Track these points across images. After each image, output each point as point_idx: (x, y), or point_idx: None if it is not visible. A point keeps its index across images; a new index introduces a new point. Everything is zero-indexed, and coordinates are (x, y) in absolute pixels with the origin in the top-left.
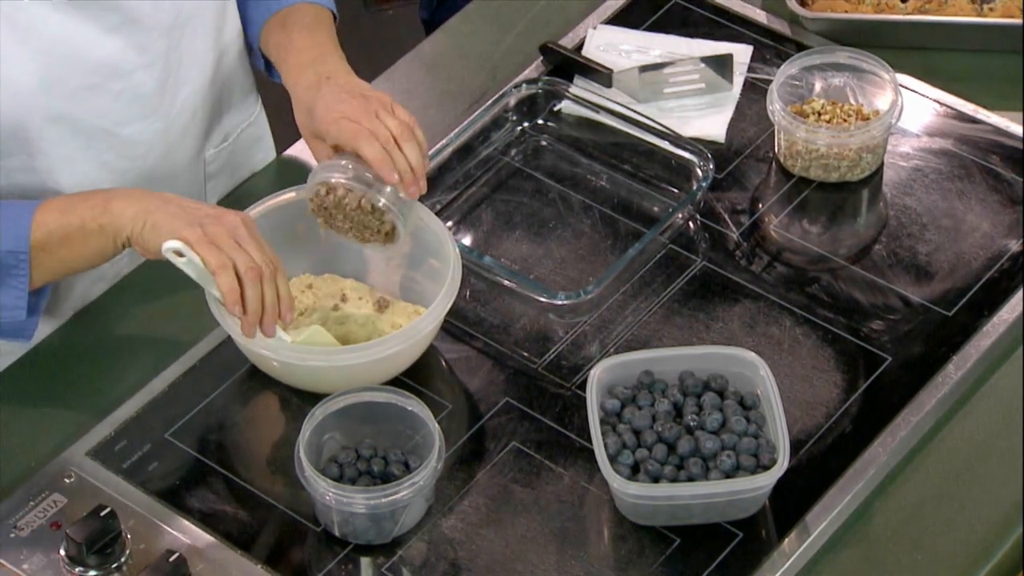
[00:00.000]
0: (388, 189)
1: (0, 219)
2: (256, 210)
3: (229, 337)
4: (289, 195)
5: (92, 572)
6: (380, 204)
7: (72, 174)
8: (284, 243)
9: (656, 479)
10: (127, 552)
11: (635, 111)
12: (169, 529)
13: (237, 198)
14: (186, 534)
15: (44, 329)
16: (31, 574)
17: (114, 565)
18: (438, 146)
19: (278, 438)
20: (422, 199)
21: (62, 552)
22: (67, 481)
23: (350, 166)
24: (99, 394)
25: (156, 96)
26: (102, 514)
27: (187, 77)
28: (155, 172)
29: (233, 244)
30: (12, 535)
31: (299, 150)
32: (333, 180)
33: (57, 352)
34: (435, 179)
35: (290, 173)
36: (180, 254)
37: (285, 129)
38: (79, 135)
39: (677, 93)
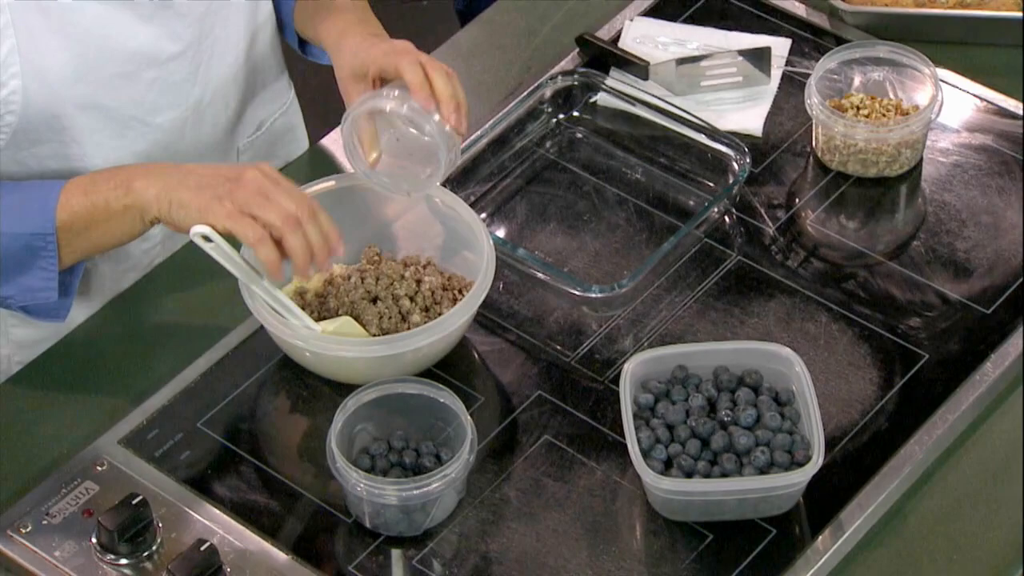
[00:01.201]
0: (435, 118)
1: (25, 200)
2: None
3: (261, 327)
4: (324, 184)
5: (124, 560)
6: (425, 130)
7: (104, 161)
8: None
9: (689, 474)
10: (158, 540)
11: (671, 104)
12: (200, 518)
13: None
14: (217, 523)
15: (76, 317)
16: (63, 561)
17: (145, 553)
18: (473, 137)
19: (309, 428)
20: (456, 190)
21: (94, 540)
22: (99, 469)
23: (396, 93)
24: (131, 383)
25: (188, 83)
26: (134, 502)
27: (220, 63)
28: (187, 161)
29: (261, 201)
30: (44, 522)
31: (332, 140)
32: (382, 104)
33: (90, 341)
34: (469, 170)
35: (323, 164)
36: (208, 239)
37: (317, 121)
38: (111, 123)
39: (714, 86)
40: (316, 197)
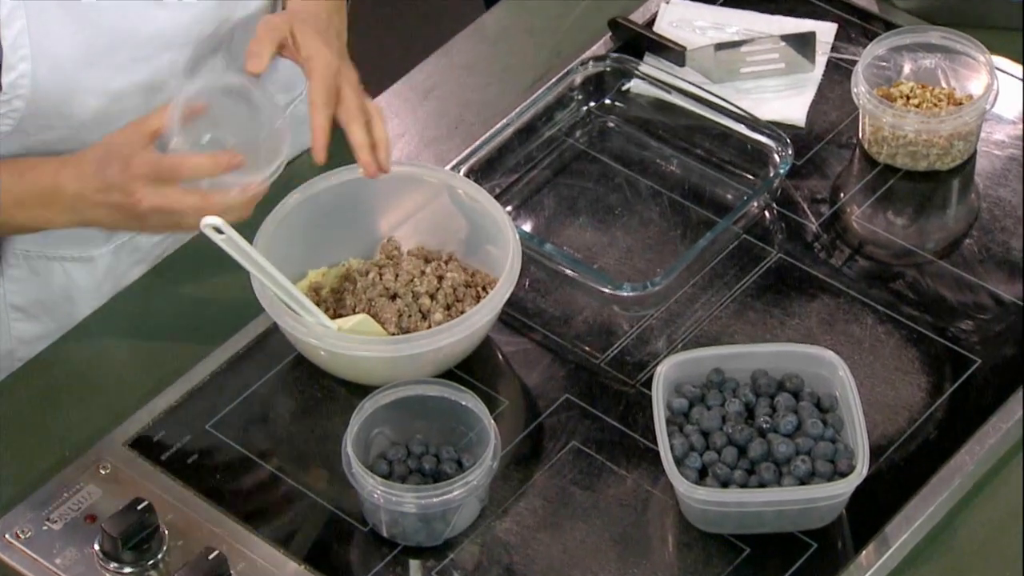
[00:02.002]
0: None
1: None
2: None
3: (274, 324)
4: (341, 175)
5: (128, 568)
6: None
7: None
8: (335, 227)
9: (725, 484)
10: (165, 548)
11: (709, 92)
12: (209, 525)
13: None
14: (226, 530)
15: (81, 311)
16: (64, 569)
17: (151, 562)
18: (498, 126)
19: (324, 432)
20: (480, 181)
21: (96, 547)
22: (103, 472)
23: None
24: (137, 381)
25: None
26: (139, 508)
27: (239, 46)
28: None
29: (172, 227)
30: (44, 528)
31: None
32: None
33: (94, 337)
34: (495, 161)
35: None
36: (219, 230)
37: None
38: (124, 110)
39: (755, 73)
40: (331, 189)
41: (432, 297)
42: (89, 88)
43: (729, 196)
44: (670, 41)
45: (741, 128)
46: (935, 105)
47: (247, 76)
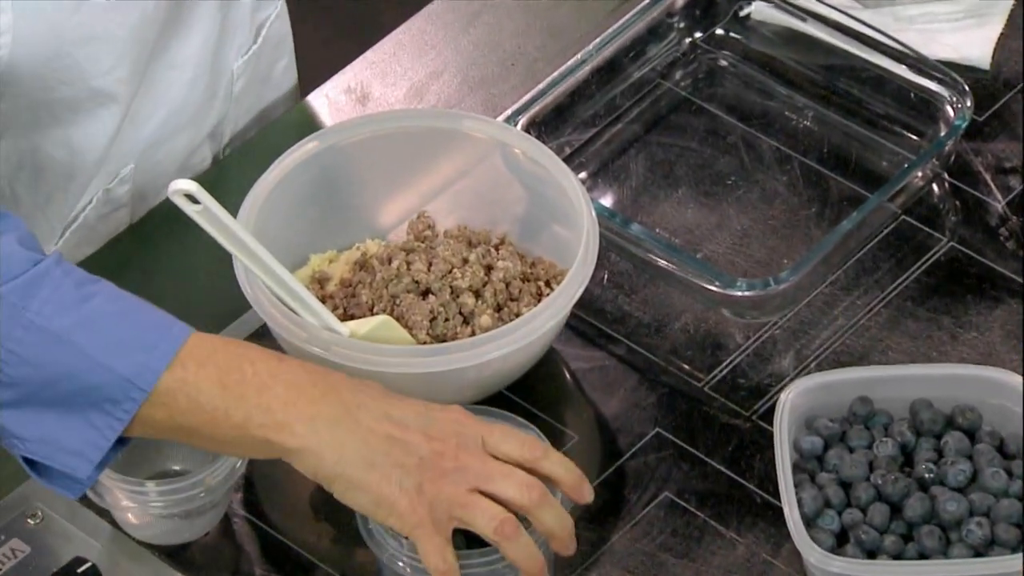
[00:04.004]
0: None
1: (136, 327)
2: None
3: (265, 326)
4: (358, 131)
5: None
6: None
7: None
8: (348, 197)
9: (872, 553)
10: None
11: (859, 20)
12: None
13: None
14: None
15: None
16: None
17: None
18: (571, 63)
19: None
20: (544, 136)
21: None
22: (31, 523)
23: None
24: None
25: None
26: (80, 570)
27: None
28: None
29: (468, 500)
30: None
31: (364, 63)
32: None
33: None
34: (564, 109)
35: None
36: (193, 199)
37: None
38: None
39: None
40: (343, 146)
41: (477, 294)
42: (77, 36)
43: (884, 163)
44: None
45: (902, 70)
46: None
47: None
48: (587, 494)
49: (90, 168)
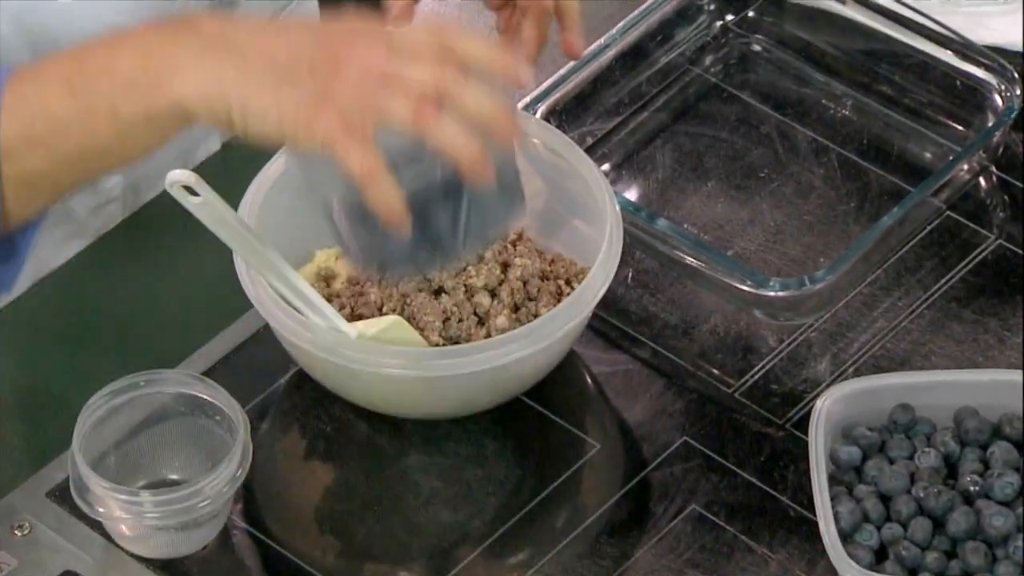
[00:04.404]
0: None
1: None
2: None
3: (266, 326)
4: None
5: None
6: None
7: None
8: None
9: (913, 571)
10: None
11: (902, 2)
12: None
13: None
14: None
15: None
16: None
17: None
18: (593, 48)
19: (336, 484)
20: (565, 126)
21: None
22: (18, 535)
23: None
24: (68, 405)
25: None
26: None
27: None
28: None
29: (381, 93)
30: None
31: None
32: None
33: (6, 339)
34: (588, 96)
35: None
36: (192, 191)
37: None
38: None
39: None
40: None
41: (493, 294)
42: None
43: (927, 154)
44: None
45: (947, 56)
46: None
47: None
48: (524, 75)
49: None
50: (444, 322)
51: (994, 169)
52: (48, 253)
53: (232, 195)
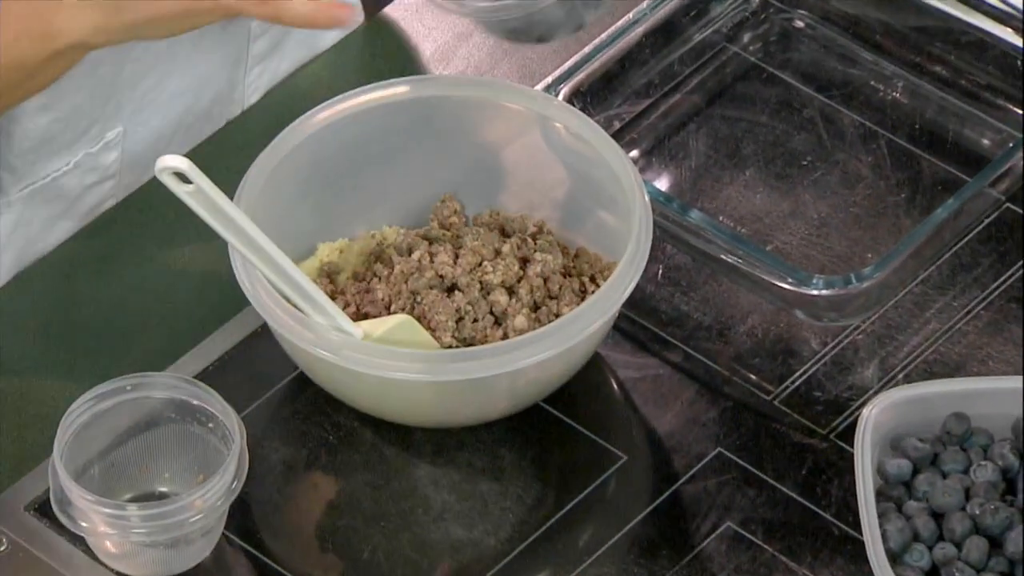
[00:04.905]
0: None
1: None
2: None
3: (264, 326)
4: (381, 92)
5: None
6: None
7: None
8: (362, 177)
9: None
10: None
11: None
12: None
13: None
14: None
15: None
16: None
17: None
18: (621, 23)
19: (340, 498)
20: (589, 108)
21: None
22: None
23: None
24: (49, 410)
25: None
26: None
27: None
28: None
29: None
30: None
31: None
32: None
33: None
34: (614, 77)
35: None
36: (184, 178)
37: None
38: None
39: None
40: (357, 116)
41: (511, 291)
42: None
43: (985, 141)
44: None
45: (1007, 33)
46: None
47: None
48: (348, 15)
49: (68, 128)
50: (457, 322)
51: None
52: (35, 232)
53: (228, 182)
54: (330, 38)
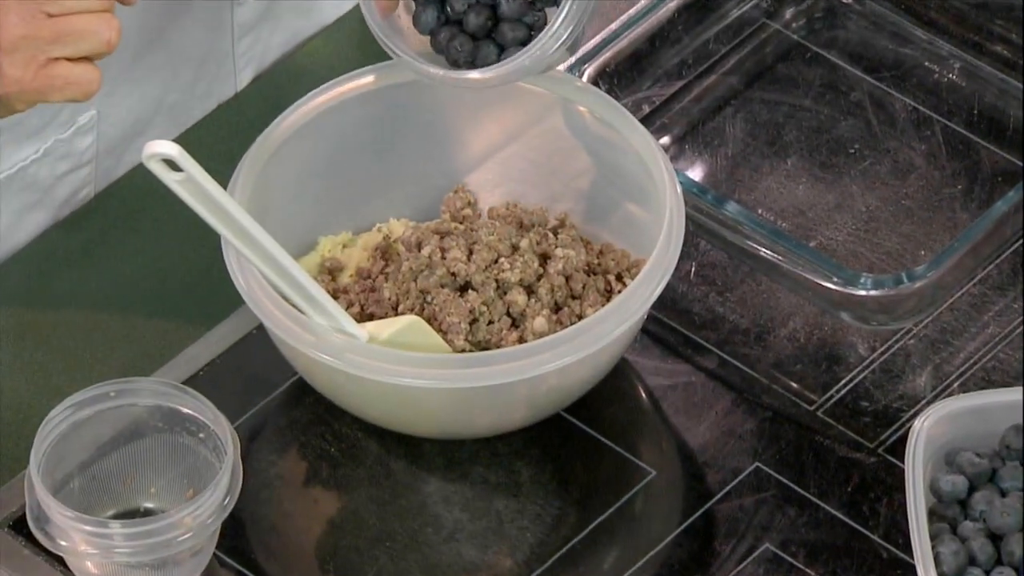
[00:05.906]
0: None
1: None
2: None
3: (260, 327)
4: (378, 76)
5: None
6: None
7: None
8: (367, 166)
9: None
10: None
11: None
12: None
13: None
14: None
15: None
16: None
17: None
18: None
19: (342, 515)
20: (616, 91)
21: None
22: None
23: None
24: (25, 419)
25: None
26: None
27: None
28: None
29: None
30: None
31: None
32: None
33: None
34: (643, 58)
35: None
36: (174, 165)
37: None
38: None
39: None
40: (362, 99)
41: (530, 291)
42: None
43: None
44: None
45: None
46: None
47: None
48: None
49: (33, 113)
50: (471, 324)
51: None
52: (5, 225)
53: (221, 170)
54: (329, 6)
